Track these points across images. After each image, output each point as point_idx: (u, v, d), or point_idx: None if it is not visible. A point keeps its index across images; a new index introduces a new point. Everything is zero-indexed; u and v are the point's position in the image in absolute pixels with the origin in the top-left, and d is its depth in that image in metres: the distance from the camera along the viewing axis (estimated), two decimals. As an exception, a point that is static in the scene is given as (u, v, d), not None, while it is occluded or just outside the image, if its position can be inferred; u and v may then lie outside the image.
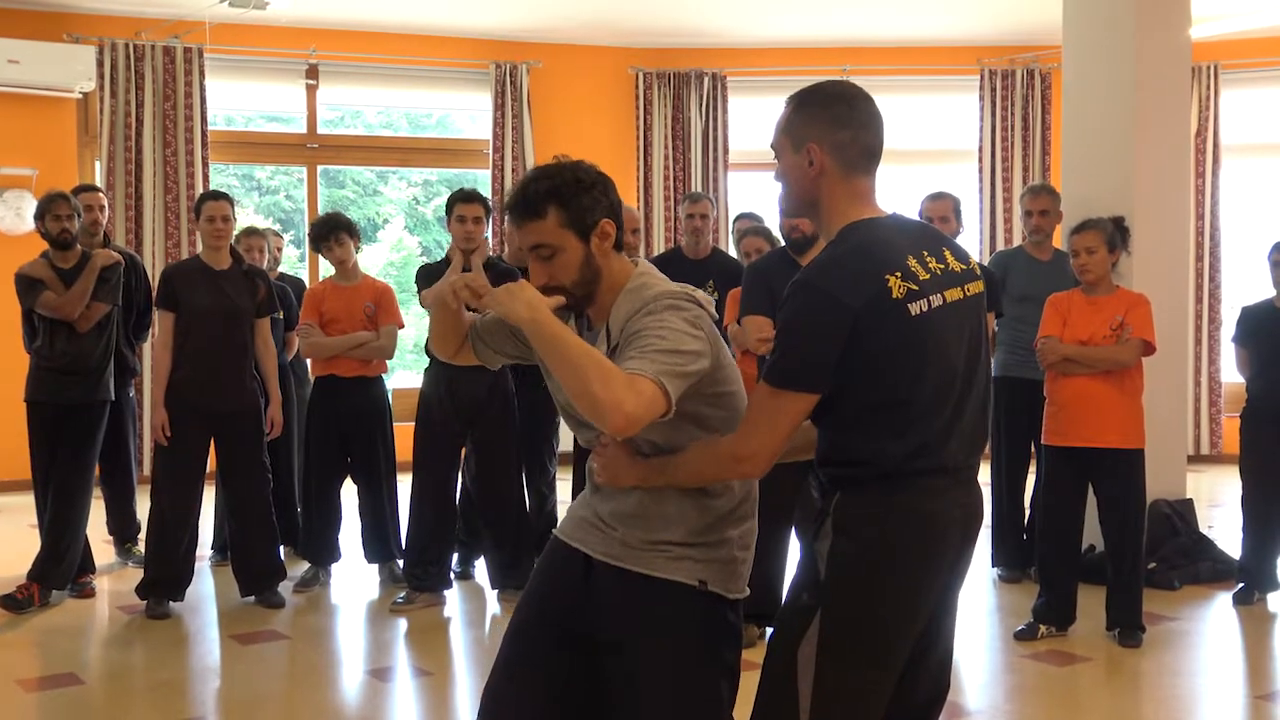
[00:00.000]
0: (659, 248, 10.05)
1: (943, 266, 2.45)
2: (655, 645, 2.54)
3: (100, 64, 9.08)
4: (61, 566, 5.87)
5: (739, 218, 7.54)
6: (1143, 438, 5.20)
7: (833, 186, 2.47)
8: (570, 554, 2.67)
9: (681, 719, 2.55)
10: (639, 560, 2.55)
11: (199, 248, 5.90)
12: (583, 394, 2.28)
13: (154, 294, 6.12)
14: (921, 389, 2.39)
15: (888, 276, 2.36)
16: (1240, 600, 5.87)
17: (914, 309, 2.37)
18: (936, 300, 2.41)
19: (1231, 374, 10.54)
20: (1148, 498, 5.31)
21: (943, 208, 5.92)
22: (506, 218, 2.54)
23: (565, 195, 2.55)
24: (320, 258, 6.90)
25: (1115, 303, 5.19)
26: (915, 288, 2.38)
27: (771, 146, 2.56)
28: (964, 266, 2.51)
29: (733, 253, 7.86)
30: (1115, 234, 5.27)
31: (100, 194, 6.91)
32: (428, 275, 5.82)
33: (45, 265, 5.88)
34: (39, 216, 5.93)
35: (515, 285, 2.43)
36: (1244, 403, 6.10)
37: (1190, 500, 6.56)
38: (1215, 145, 10.31)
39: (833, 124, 2.45)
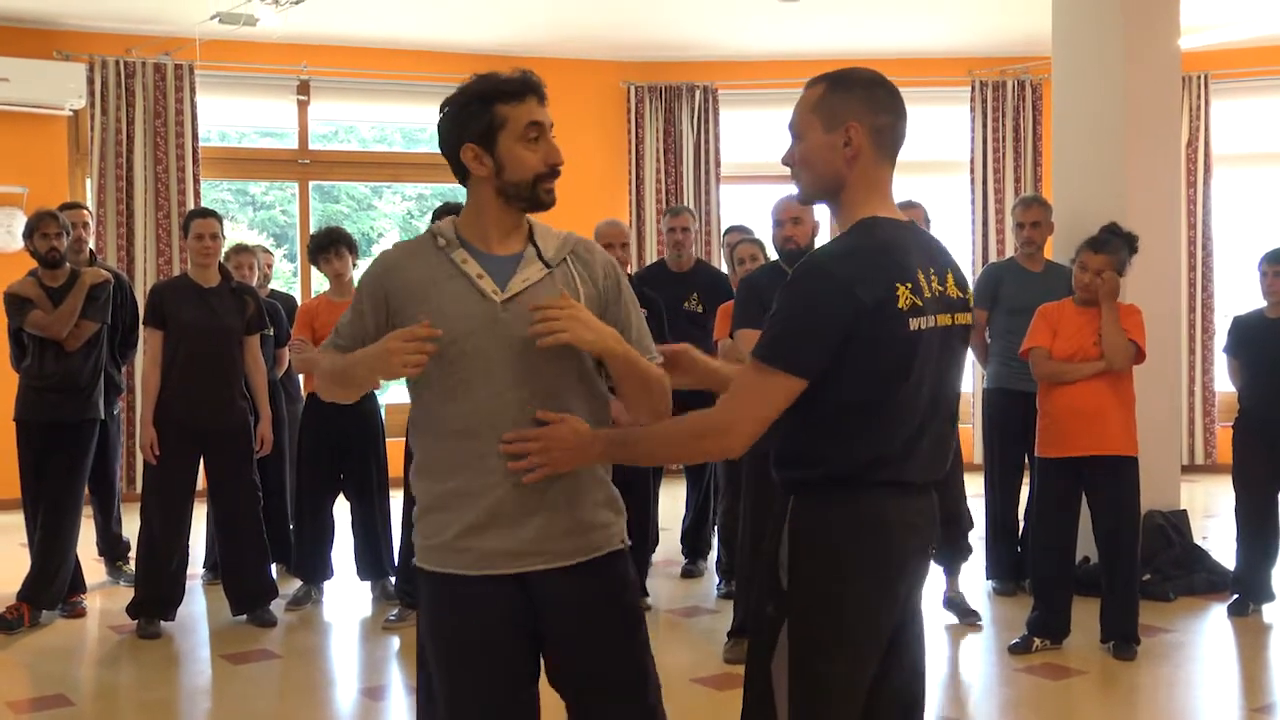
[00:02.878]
0: (651, 261, 10.02)
1: (942, 289, 2.44)
2: (613, 614, 2.65)
3: (91, 81, 9.07)
4: (52, 587, 5.84)
5: (730, 229, 7.54)
6: (1136, 446, 5.20)
7: (864, 172, 2.43)
8: (496, 587, 2.56)
9: (641, 651, 2.69)
10: (591, 545, 2.60)
11: (190, 265, 5.88)
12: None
13: (141, 311, 6.10)
14: (895, 402, 2.37)
15: (899, 285, 2.34)
16: (1235, 612, 5.85)
17: (913, 324, 2.36)
18: (930, 322, 2.39)
19: (1225, 383, 10.53)
20: (1142, 508, 5.31)
21: (913, 216, 5.88)
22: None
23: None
24: (313, 274, 6.90)
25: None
26: (919, 303, 2.37)
27: (791, 127, 2.49)
28: (960, 295, 2.49)
29: (720, 265, 7.88)
30: (1126, 258, 5.26)
31: (84, 211, 6.90)
32: None
33: (34, 284, 5.87)
34: (28, 235, 5.92)
35: (587, 315, 2.47)
36: (1236, 413, 6.08)
37: (1184, 511, 6.55)
38: (1206, 155, 10.32)
39: (875, 105, 2.42)
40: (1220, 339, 10.59)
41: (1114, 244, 5.24)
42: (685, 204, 10.34)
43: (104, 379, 6.08)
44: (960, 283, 2.50)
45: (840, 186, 2.45)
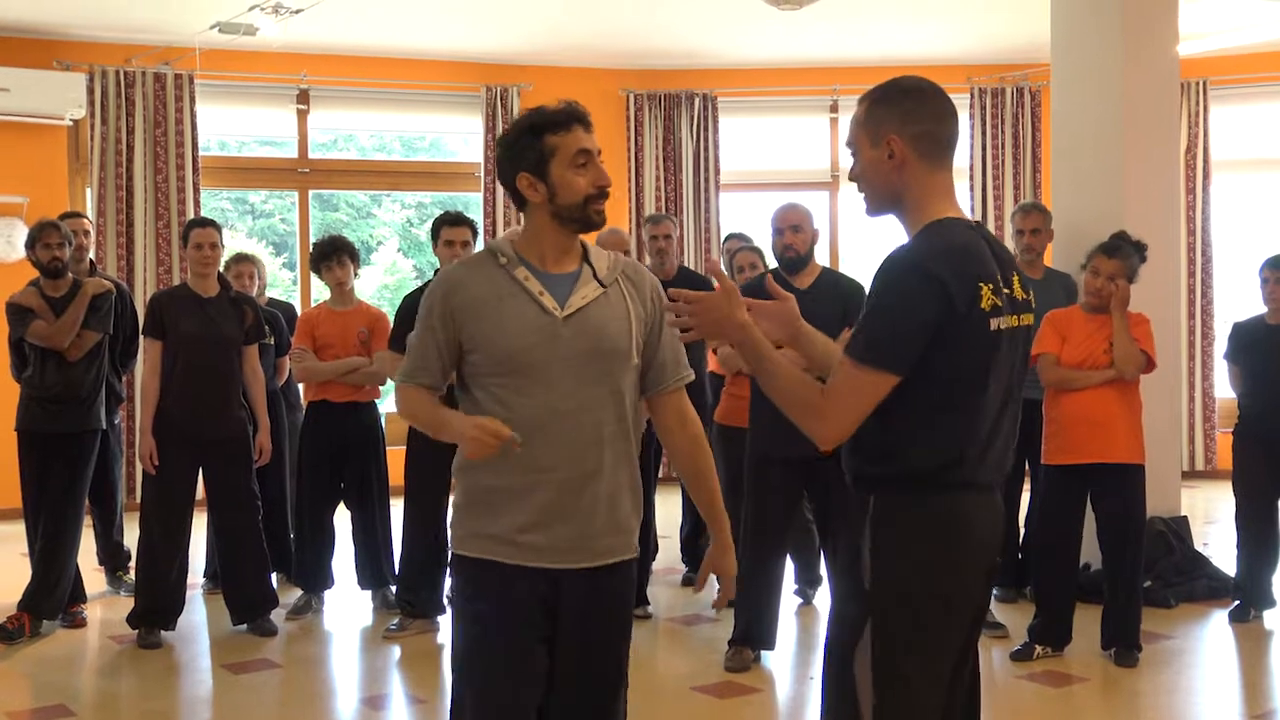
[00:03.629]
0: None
1: (1009, 291, 2.47)
2: (622, 617, 2.85)
3: (90, 91, 9.07)
4: (53, 597, 5.84)
5: (729, 237, 7.54)
6: (1144, 454, 5.19)
7: (917, 178, 2.48)
8: (529, 581, 2.72)
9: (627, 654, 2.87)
10: (620, 548, 2.78)
11: (190, 275, 5.89)
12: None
13: (141, 321, 6.10)
14: (974, 402, 2.41)
15: (982, 285, 2.39)
16: (1236, 618, 5.85)
17: (993, 324, 2.40)
18: (1008, 322, 2.44)
19: (1225, 389, 10.54)
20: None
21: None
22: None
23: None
24: (313, 282, 6.90)
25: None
26: (1000, 304, 2.41)
27: (848, 144, 2.57)
28: (1024, 296, 2.53)
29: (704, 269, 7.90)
30: (1137, 265, 5.27)
31: (85, 220, 6.91)
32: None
33: (35, 294, 5.87)
34: (30, 245, 5.92)
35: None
36: (1236, 419, 6.07)
37: (1185, 518, 6.54)
38: (1205, 161, 10.32)
39: (907, 116, 2.47)
40: (1220, 345, 10.60)
41: (1126, 250, 5.24)
42: (685, 211, 10.37)
43: (105, 389, 6.08)
44: (1024, 284, 2.55)
45: (899, 196, 2.50)
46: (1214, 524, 8.10)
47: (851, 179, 2.58)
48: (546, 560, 2.71)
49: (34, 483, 5.87)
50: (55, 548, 5.80)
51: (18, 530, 6.41)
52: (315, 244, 6.37)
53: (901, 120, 2.46)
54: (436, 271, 5.91)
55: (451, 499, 2.84)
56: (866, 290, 5.58)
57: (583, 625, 2.75)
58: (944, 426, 2.41)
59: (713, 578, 2.99)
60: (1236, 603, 5.92)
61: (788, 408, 2.47)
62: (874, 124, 2.49)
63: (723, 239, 10.17)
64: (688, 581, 6.74)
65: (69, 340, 5.79)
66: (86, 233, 6.76)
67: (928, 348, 2.35)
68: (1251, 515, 5.91)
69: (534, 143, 2.73)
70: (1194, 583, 6.25)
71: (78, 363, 5.85)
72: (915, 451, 2.41)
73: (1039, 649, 5.25)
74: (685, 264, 9.04)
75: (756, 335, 2.49)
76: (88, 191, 9.30)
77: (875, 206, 2.56)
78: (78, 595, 6.05)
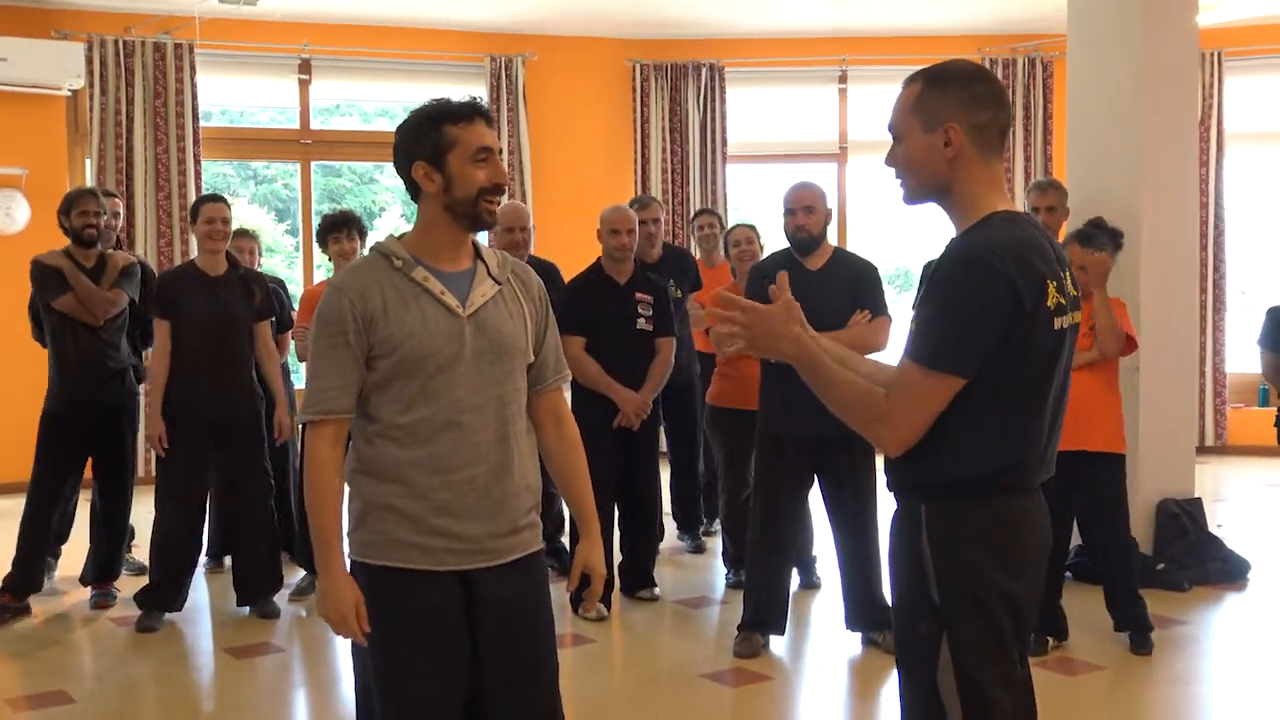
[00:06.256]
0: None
1: (1068, 288, 2.37)
2: (544, 611, 2.83)
3: (89, 61, 8.95)
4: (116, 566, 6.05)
5: (700, 213, 7.63)
6: (1124, 443, 5.12)
7: (970, 170, 2.35)
8: (443, 585, 2.67)
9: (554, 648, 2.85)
10: (525, 543, 2.77)
11: (191, 247, 5.79)
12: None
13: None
14: (1035, 404, 2.32)
15: (1049, 282, 2.28)
16: None
17: (1057, 323, 2.31)
18: (1069, 320, 2.34)
19: (1237, 364, 10.48)
20: (1155, 496, 5.15)
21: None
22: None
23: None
24: (315, 252, 6.83)
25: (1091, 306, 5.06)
26: (1063, 302, 2.32)
27: (890, 127, 2.42)
28: (1075, 293, 2.42)
29: (694, 250, 7.94)
30: (1112, 253, 5.13)
31: (116, 200, 6.80)
32: None
33: (65, 257, 5.78)
34: (64, 210, 5.84)
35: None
36: (1279, 411, 5.72)
37: (1199, 499, 6.45)
38: (1219, 133, 10.19)
39: (974, 103, 2.34)
40: (1233, 316, 10.50)
41: (1100, 239, 5.12)
42: (691, 183, 10.25)
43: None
44: (1074, 279, 2.43)
45: (947, 186, 2.37)
46: (1222, 502, 8.02)
47: (890, 164, 2.43)
48: (458, 561, 2.67)
49: (66, 460, 5.84)
50: (120, 519, 5.97)
51: (12, 506, 6.32)
52: (324, 216, 6.28)
53: (964, 107, 2.33)
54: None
55: (348, 506, 2.75)
56: (877, 271, 5.49)
57: (505, 623, 2.72)
58: (1004, 429, 2.30)
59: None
60: None
61: (849, 416, 2.36)
62: (929, 109, 2.34)
63: (731, 212, 10.12)
64: (697, 550, 6.93)
65: (104, 312, 5.71)
66: (117, 214, 6.66)
67: (996, 349, 2.24)
68: None
69: (433, 132, 2.67)
70: (1208, 565, 6.17)
71: (112, 333, 5.79)
72: (972, 456, 2.30)
73: (1051, 641, 5.15)
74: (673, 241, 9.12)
75: (811, 348, 2.37)
76: (87, 163, 9.19)
77: (917, 195, 2.42)
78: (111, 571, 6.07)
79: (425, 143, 2.67)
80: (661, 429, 6.43)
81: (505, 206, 6.31)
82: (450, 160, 2.66)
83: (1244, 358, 10.50)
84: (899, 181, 2.44)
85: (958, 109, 2.33)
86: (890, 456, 2.39)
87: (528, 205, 9.78)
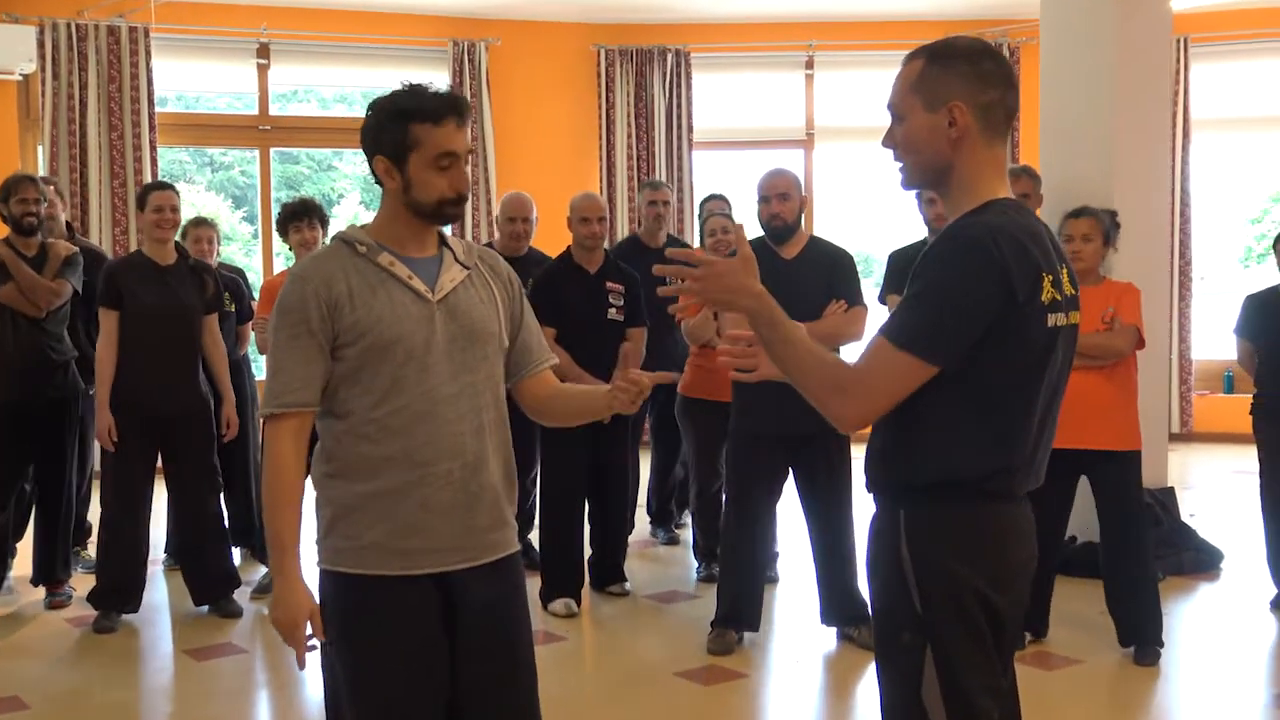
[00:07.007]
0: (623, 231, 9.76)
1: (1064, 286, 2.25)
2: (522, 612, 2.73)
3: (41, 44, 8.74)
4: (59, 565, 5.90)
5: (708, 199, 7.32)
6: (1139, 439, 4.91)
7: (973, 152, 2.22)
8: (419, 590, 2.56)
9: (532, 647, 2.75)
10: (503, 543, 2.66)
11: (146, 241, 5.62)
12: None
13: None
14: (1023, 405, 2.20)
15: (1045, 275, 2.16)
16: (1278, 605, 5.59)
17: (1051, 320, 2.18)
18: (1063, 319, 2.22)
19: (1202, 351, 10.49)
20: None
21: (1023, 188, 5.37)
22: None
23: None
24: (275, 240, 6.69)
25: (1104, 293, 4.93)
26: (1059, 298, 2.19)
27: (890, 106, 2.30)
28: (1072, 292, 2.29)
29: (693, 235, 7.81)
30: (1111, 227, 5.03)
31: (54, 187, 6.61)
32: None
33: (6, 246, 5.60)
34: (2, 198, 5.67)
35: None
36: (1255, 398, 5.66)
37: (1172, 489, 6.43)
38: (1186, 119, 10.18)
39: (980, 81, 2.21)
40: (1198, 303, 10.51)
41: (1095, 211, 5.00)
42: (658, 170, 10.14)
43: (79, 357, 5.87)
44: (1072, 278, 2.31)
45: (948, 170, 2.24)
46: (1190, 489, 8.00)
47: (888, 145, 2.30)
48: (435, 563, 2.55)
49: (13, 456, 5.69)
50: (61, 517, 5.81)
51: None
52: (284, 204, 6.12)
53: (969, 86, 2.20)
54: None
55: (317, 511, 2.63)
56: (853, 259, 5.38)
57: (485, 629, 2.61)
58: (990, 432, 2.18)
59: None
60: (1278, 591, 5.63)
61: (805, 384, 2.22)
62: (933, 86, 2.22)
63: (698, 199, 9.99)
64: (670, 542, 6.84)
65: (46, 301, 5.54)
66: (61, 196, 6.47)
67: (982, 342, 2.11)
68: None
69: (396, 129, 2.52)
70: (1181, 555, 6.15)
71: (54, 324, 5.63)
72: (952, 458, 2.18)
73: (1028, 637, 5.05)
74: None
75: (771, 304, 2.22)
76: (39, 149, 8.99)
77: (917, 179, 2.29)
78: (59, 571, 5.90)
79: (387, 138, 2.53)
80: (645, 423, 6.33)
81: (510, 196, 6.29)
82: (411, 161, 2.52)
83: (1207, 344, 10.53)
84: (898, 165, 2.31)
85: (963, 87, 2.20)
86: (843, 431, 2.29)
87: (491, 193, 9.65)
